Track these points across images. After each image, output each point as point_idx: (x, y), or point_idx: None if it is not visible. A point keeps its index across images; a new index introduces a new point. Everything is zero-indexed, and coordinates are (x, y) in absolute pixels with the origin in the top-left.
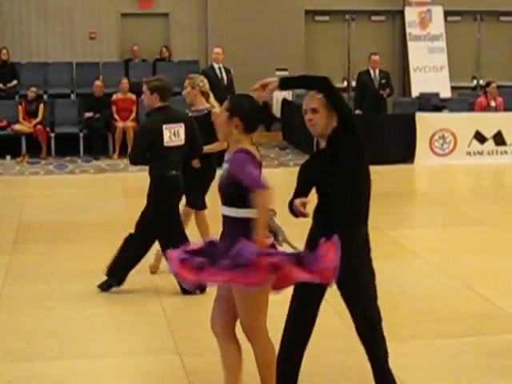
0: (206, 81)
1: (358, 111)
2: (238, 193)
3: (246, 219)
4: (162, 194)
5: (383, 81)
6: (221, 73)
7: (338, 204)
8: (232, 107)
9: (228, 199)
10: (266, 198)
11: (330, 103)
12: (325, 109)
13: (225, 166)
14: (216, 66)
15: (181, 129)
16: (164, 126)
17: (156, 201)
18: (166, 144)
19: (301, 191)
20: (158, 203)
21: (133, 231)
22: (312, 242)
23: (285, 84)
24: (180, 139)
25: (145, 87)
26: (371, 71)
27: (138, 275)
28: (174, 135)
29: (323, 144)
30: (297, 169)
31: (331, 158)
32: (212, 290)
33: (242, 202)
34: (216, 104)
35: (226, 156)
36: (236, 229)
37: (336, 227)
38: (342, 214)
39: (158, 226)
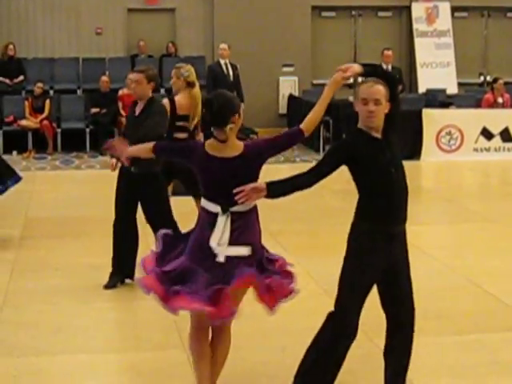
0: (192, 71)
1: None
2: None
3: (254, 208)
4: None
5: (396, 76)
6: (227, 68)
7: (401, 195)
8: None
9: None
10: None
11: (392, 98)
12: (385, 100)
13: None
14: (222, 61)
15: None
16: None
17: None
18: None
19: (326, 167)
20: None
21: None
22: (365, 240)
23: (368, 72)
24: None
25: (140, 76)
26: (384, 66)
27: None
28: None
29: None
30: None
31: (389, 145)
32: None
33: None
34: (199, 95)
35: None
36: (249, 221)
37: (401, 220)
38: (405, 206)
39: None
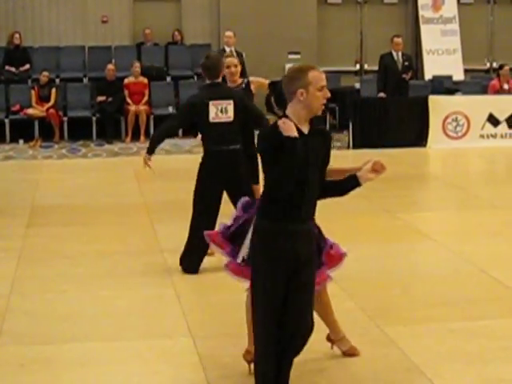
0: None
1: (381, 94)
2: None
3: None
4: (204, 167)
5: (406, 63)
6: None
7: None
8: None
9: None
10: None
11: None
12: None
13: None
14: (228, 49)
15: (229, 106)
16: (211, 103)
17: (199, 172)
18: (211, 120)
19: None
20: (199, 175)
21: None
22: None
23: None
24: (228, 116)
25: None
26: (394, 54)
27: (150, 258)
28: (221, 111)
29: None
30: None
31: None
32: (225, 275)
33: None
34: None
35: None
36: None
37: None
38: None
39: (194, 199)
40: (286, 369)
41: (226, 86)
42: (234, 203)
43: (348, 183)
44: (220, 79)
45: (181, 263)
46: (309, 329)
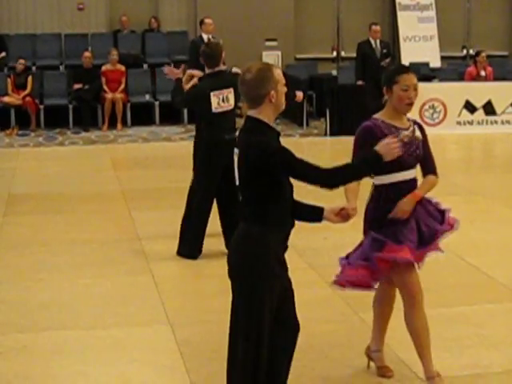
0: None
1: (359, 82)
2: None
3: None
4: (208, 156)
5: (384, 50)
6: None
7: None
8: None
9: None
10: None
11: None
12: None
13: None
14: (205, 36)
15: (230, 94)
16: (212, 93)
17: (201, 160)
18: (214, 110)
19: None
20: (202, 163)
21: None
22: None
23: None
24: (230, 104)
25: None
26: (372, 41)
27: (128, 245)
28: (222, 101)
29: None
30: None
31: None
32: (203, 262)
33: None
34: None
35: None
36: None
37: None
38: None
39: (196, 185)
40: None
41: (226, 73)
42: (228, 192)
43: (310, 214)
44: (221, 67)
45: (180, 251)
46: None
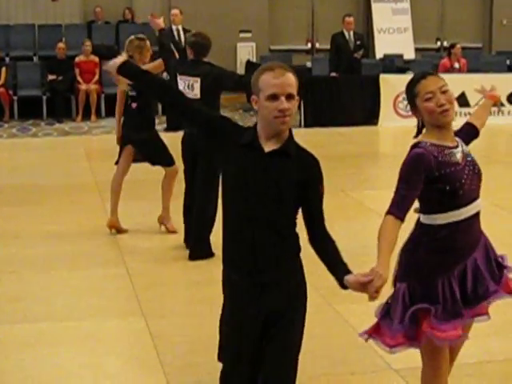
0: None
1: (333, 74)
2: None
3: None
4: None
5: (358, 42)
6: (179, 35)
7: None
8: None
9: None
10: None
11: None
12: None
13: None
14: (174, 27)
15: (196, 83)
16: (179, 76)
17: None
18: None
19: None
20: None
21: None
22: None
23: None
24: (194, 93)
25: None
26: (345, 33)
27: (102, 238)
28: (187, 87)
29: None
30: None
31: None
32: (176, 255)
33: None
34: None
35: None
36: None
37: None
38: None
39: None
40: None
41: (209, 66)
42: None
43: (335, 272)
44: (206, 59)
45: (197, 254)
46: None
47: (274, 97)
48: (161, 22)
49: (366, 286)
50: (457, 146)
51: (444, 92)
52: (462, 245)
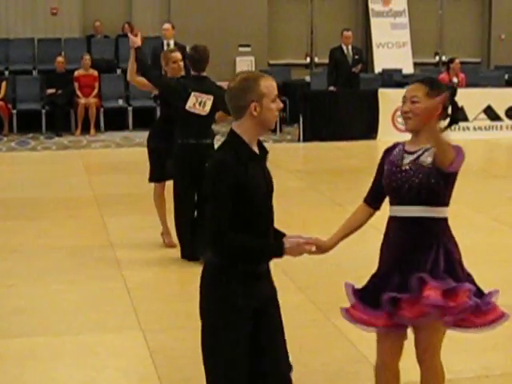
0: None
1: (332, 88)
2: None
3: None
4: (176, 160)
5: (356, 57)
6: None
7: None
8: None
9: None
10: None
11: None
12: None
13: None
14: (165, 42)
15: (209, 101)
16: (193, 93)
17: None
18: (187, 108)
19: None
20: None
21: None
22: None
23: None
24: (205, 110)
25: None
26: (344, 47)
27: (100, 251)
28: (199, 104)
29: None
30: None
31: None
32: (175, 268)
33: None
34: None
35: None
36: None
37: None
38: None
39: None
40: None
41: (210, 81)
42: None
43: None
44: (205, 73)
45: (192, 256)
46: None
47: (276, 98)
48: (137, 40)
49: (302, 246)
50: (414, 153)
51: (413, 102)
52: (393, 241)
